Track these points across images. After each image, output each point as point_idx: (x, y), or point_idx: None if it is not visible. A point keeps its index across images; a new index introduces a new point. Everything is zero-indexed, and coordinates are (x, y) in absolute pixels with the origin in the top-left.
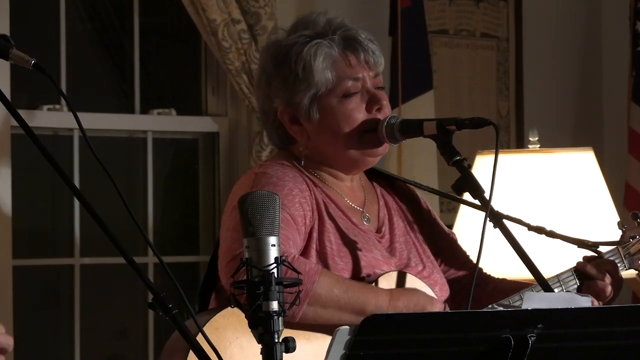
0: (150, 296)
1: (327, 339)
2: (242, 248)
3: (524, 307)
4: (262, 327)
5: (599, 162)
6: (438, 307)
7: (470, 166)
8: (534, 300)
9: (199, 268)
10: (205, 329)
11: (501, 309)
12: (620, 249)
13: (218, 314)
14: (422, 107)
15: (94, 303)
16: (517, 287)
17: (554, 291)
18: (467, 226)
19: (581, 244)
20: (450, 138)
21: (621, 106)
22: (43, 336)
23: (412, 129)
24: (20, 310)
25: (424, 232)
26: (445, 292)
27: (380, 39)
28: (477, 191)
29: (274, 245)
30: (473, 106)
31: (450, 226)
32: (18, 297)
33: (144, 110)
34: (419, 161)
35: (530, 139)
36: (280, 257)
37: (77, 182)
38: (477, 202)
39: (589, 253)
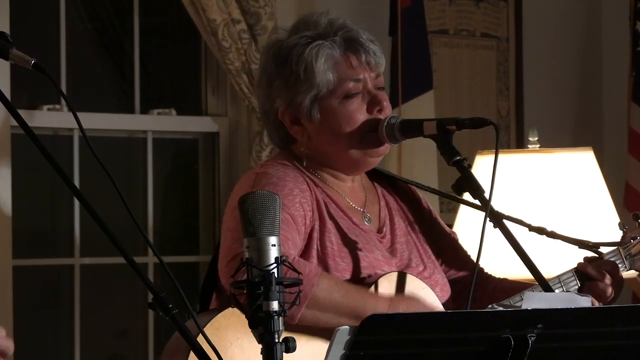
0: (150, 296)
1: (327, 339)
2: (242, 248)
3: (523, 307)
4: (262, 327)
5: (599, 162)
6: None
7: (470, 166)
8: (534, 300)
9: (199, 268)
10: (206, 329)
11: (501, 309)
12: (621, 250)
13: (219, 314)
14: (422, 107)
15: (94, 303)
16: (518, 287)
17: (554, 291)
18: (467, 226)
19: (582, 244)
20: (450, 138)
21: (621, 106)
22: (43, 336)
23: (412, 129)
24: (20, 310)
25: (425, 232)
26: (447, 293)
27: (381, 39)
28: (477, 191)
29: (274, 245)
30: (473, 106)
31: (450, 226)
32: (18, 297)
33: (144, 110)
34: (419, 161)
35: (530, 139)
36: (281, 257)
37: (77, 182)
38: (477, 202)
39: (590, 254)
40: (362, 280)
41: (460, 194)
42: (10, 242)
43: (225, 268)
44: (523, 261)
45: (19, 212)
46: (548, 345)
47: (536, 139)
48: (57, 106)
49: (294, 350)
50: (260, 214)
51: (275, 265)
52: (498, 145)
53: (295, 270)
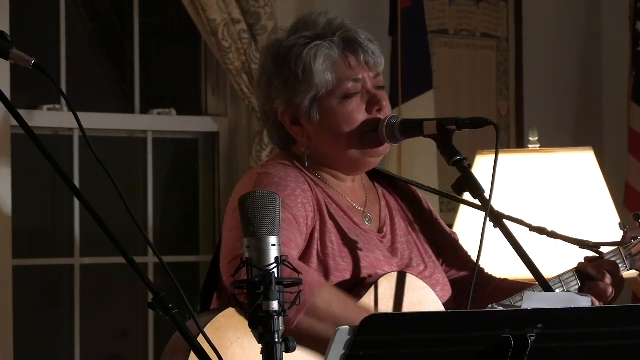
0: (150, 296)
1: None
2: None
3: (523, 307)
4: (262, 327)
5: (599, 162)
6: None
7: (470, 166)
8: (534, 300)
9: (199, 268)
10: (206, 329)
11: (501, 308)
12: (621, 250)
13: (220, 314)
14: (422, 107)
15: (94, 303)
16: (518, 287)
17: (554, 291)
18: (467, 226)
19: (582, 244)
20: (450, 138)
21: (621, 106)
22: (43, 336)
23: (412, 128)
24: (20, 310)
25: (426, 232)
26: (447, 292)
27: (380, 39)
28: (477, 191)
29: (275, 245)
30: (473, 106)
31: (450, 226)
32: (18, 297)
33: (144, 110)
34: (419, 161)
35: (530, 139)
36: (281, 256)
37: (77, 182)
38: (477, 202)
39: (590, 254)
40: (362, 280)
41: (460, 194)
42: (10, 242)
43: (227, 267)
44: (523, 261)
45: (19, 212)
46: (548, 345)
47: (536, 139)
48: (57, 106)
49: (294, 350)
50: (260, 214)
51: (275, 265)
52: (498, 145)
53: (295, 270)
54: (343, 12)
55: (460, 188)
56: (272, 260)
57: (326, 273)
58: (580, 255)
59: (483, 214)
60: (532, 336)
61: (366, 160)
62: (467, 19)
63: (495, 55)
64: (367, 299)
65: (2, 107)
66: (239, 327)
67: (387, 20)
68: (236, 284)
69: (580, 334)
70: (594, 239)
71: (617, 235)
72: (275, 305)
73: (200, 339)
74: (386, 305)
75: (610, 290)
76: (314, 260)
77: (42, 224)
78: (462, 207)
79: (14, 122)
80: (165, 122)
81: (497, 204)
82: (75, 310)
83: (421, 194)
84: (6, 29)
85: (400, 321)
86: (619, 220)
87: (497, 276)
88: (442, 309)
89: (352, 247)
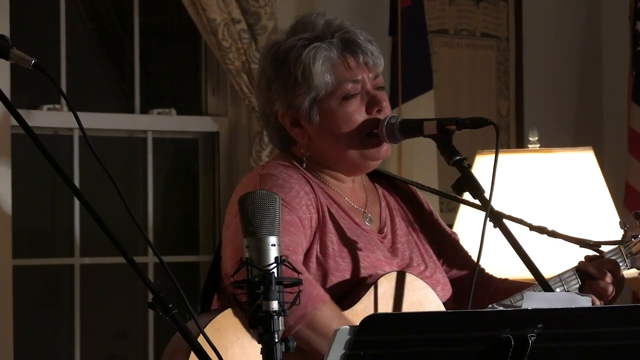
0: (150, 296)
1: None
2: None
3: (523, 306)
4: (262, 327)
5: (599, 162)
6: None
7: (470, 166)
8: (534, 300)
9: (199, 268)
10: (206, 329)
11: (501, 308)
12: (622, 248)
13: (220, 315)
14: (422, 107)
15: (94, 303)
16: (519, 287)
17: (555, 291)
18: (467, 226)
19: (583, 243)
20: (450, 138)
21: (621, 106)
22: (43, 336)
23: (412, 128)
24: (20, 310)
25: (426, 232)
26: (448, 292)
27: (380, 39)
28: (477, 191)
29: (274, 245)
30: (473, 106)
31: (450, 226)
32: (18, 297)
33: (144, 110)
34: (419, 161)
35: (530, 138)
36: (281, 256)
37: (77, 182)
38: (477, 202)
39: (591, 252)
40: (362, 281)
41: (460, 194)
42: (10, 242)
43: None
44: (523, 261)
45: (19, 212)
46: (548, 345)
47: (536, 138)
48: (57, 106)
49: (294, 350)
50: (260, 214)
51: (275, 265)
52: (498, 145)
53: (295, 270)
54: (343, 12)
55: (460, 188)
56: (272, 260)
57: (326, 273)
58: (580, 254)
59: (483, 214)
60: (533, 336)
61: (366, 163)
62: (467, 18)
63: (495, 55)
64: (367, 299)
65: (2, 107)
66: (239, 328)
67: (387, 20)
68: (236, 283)
69: (581, 334)
70: (594, 239)
71: (617, 235)
72: (275, 305)
73: (201, 340)
74: (386, 306)
75: (610, 289)
76: (314, 260)
77: (42, 224)
78: (462, 207)
79: (14, 122)
80: (165, 122)
81: (497, 204)
82: (75, 310)
83: (421, 194)
84: (6, 29)
85: (400, 321)
86: (619, 220)
87: (498, 276)
88: (442, 309)
89: (352, 247)
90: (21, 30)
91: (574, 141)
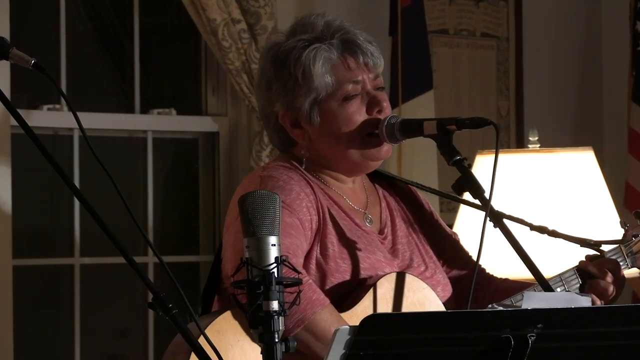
0: (150, 296)
1: None
2: None
3: (523, 306)
4: (262, 327)
5: (599, 162)
6: None
7: (470, 166)
8: (534, 300)
9: (199, 268)
10: (207, 331)
11: (501, 308)
12: (622, 248)
13: (220, 317)
14: (422, 107)
15: (94, 303)
16: (519, 287)
17: (555, 291)
18: (467, 226)
19: (583, 243)
20: (450, 138)
21: (621, 106)
22: (43, 336)
23: (412, 128)
24: (20, 310)
25: (426, 233)
26: (448, 293)
27: (380, 39)
28: (477, 191)
29: (274, 245)
30: (473, 106)
31: (450, 226)
32: (18, 297)
33: (144, 110)
34: (419, 161)
35: (530, 138)
36: (281, 256)
37: (77, 182)
38: (477, 202)
39: (591, 252)
40: (362, 282)
41: (460, 193)
42: (10, 242)
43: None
44: (523, 261)
45: (19, 212)
46: (548, 345)
47: (536, 138)
48: (57, 106)
49: (294, 350)
50: (260, 214)
51: (275, 265)
52: (498, 145)
53: (295, 270)
54: (343, 12)
55: (460, 188)
56: (272, 260)
57: (326, 274)
58: (581, 254)
59: (483, 214)
60: (532, 336)
61: (366, 164)
62: (467, 18)
63: (495, 55)
64: (367, 300)
65: (2, 107)
66: (239, 330)
67: (387, 20)
68: (236, 283)
69: (580, 334)
70: (594, 238)
71: (618, 235)
72: (275, 305)
73: (201, 341)
74: (386, 307)
75: (611, 288)
76: (314, 261)
77: (42, 224)
78: (462, 207)
79: (14, 122)
80: (165, 122)
81: (497, 204)
82: (75, 310)
83: (421, 194)
84: (6, 29)
85: (400, 321)
86: (619, 220)
87: (498, 276)
88: (442, 309)
89: (352, 248)
90: (21, 30)
91: (574, 141)
